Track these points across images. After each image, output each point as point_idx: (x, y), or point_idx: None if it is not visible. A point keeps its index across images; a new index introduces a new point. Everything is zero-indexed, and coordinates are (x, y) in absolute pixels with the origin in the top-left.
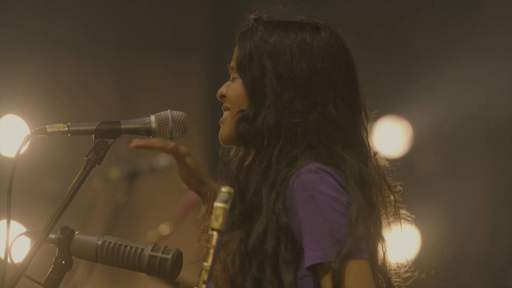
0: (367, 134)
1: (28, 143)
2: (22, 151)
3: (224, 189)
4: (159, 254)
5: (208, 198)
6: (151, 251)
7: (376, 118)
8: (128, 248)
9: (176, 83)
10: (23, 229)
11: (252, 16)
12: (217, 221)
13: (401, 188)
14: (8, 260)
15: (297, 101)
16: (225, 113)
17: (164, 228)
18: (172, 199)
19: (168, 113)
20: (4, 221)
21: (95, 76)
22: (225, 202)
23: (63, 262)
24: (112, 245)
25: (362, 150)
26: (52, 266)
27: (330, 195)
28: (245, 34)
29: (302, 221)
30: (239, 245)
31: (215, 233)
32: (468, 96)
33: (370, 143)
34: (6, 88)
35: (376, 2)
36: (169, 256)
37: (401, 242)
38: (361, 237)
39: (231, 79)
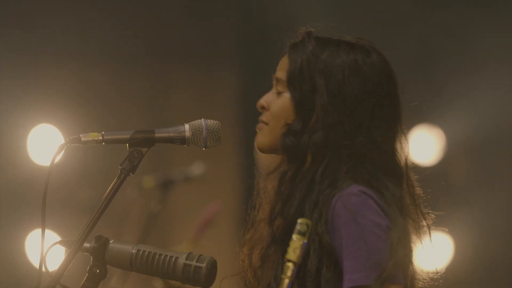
0: (406, 160)
1: (62, 152)
2: (56, 160)
3: (301, 221)
4: (194, 263)
5: None
6: (186, 259)
7: (410, 127)
8: (162, 256)
9: (210, 91)
10: (57, 238)
11: (303, 29)
12: (294, 253)
13: (434, 216)
14: (43, 269)
15: (345, 122)
16: (262, 123)
17: (184, 247)
18: (206, 207)
19: (202, 121)
20: (39, 230)
21: (129, 84)
22: (303, 234)
23: (98, 270)
24: (146, 253)
25: (400, 176)
26: (87, 274)
27: (372, 220)
28: (296, 46)
29: (343, 244)
30: (281, 262)
31: (291, 264)
32: (502, 104)
33: (407, 169)
34: (40, 97)
35: (407, 10)
36: (204, 265)
37: (435, 251)
38: (400, 263)
39: (275, 91)
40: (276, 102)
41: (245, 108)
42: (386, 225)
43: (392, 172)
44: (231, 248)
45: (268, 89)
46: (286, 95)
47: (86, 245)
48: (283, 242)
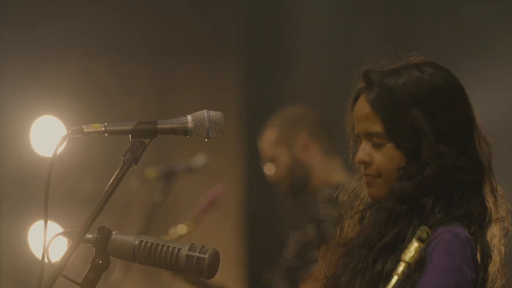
0: (489, 159)
1: (65, 143)
2: (59, 151)
3: (423, 227)
4: (196, 254)
5: None
6: (188, 250)
7: None
8: (165, 247)
9: (213, 84)
10: (60, 229)
11: (361, 70)
12: (410, 254)
13: None
14: (46, 260)
15: (451, 151)
16: (371, 176)
17: (182, 228)
18: (208, 190)
19: (204, 113)
20: (42, 222)
21: (132, 76)
22: (423, 241)
23: (100, 262)
24: (149, 244)
25: (487, 180)
26: (89, 266)
27: (461, 267)
28: (371, 92)
29: (426, 271)
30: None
31: (404, 264)
32: (500, 101)
33: (490, 169)
34: (43, 88)
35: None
36: (206, 256)
37: None
38: None
39: (369, 144)
40: (383, 157)
41: (248, 101)
42: (470, 278)
43: (483, 181)
44: (233, 240)
45: (271, 84)
46: (389, 146)
47: (89, 236)
48: (384, 259)
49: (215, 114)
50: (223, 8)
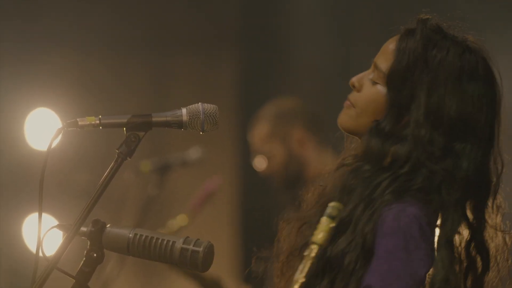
0: (495, 182)
1: (60, 136)
2: (54, 144)
3: (332, 204)
4: (191, 247)
5: None
6: (183, 243)
7: None
8: (159, 240)
9: (209, 76)
10: (55, 222)
11: (421, 15)
12: (321, 236)
13: None
14: (40, 253)
15: (435, 141)
16: (349, 104)
17: (182, 219)
18: (205, 182)
19: (199, 106)
20: (36, 214)
21: (127, 69)
22: (333, 218)
23: (95, 255)
24: (143, 237)
25: (483, 202)
26: (84, 259)
27: (405, 246)
28: (407, 37)
29: (374, 257)
30: (319, 253)
31: (315, 246)
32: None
33: (495, 191)
34: (37, 81)
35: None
36: (201, 249)
37: None
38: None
39: (370, 76)
40: (369, 91)
41: (243, 94)
42: (421, 256)
43: (475, 197)
44: (228, 232)
45: (266, 78)
46: (381, 89)
47: (83, 229)
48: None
49: (209, 107)
50: (218, 2)
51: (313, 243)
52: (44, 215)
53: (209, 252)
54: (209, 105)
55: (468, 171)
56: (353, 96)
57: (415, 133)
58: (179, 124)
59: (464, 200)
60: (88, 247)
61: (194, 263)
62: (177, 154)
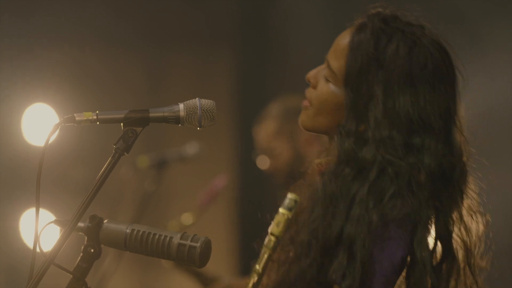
0: (460, 176)
1: (57, 132)
2: (51, 140)
3: (290, 196)
4: (188, 243)
5: None
6: (180, 239)
7: None
8: (157, 236)
9: (206, 72)
10: (52, 217)
11: (371, 9)
12: (277, 227)
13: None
14: (37, 249)
15: (396, 138)
16: (307, 103)
17: (187, 218)
18: (200, 187)
19: (196, 101)
20: (33, 210)
21: (125, 64)
22: (290, 210)
23: (92, 250)
24: (140, 233)
25: (453, 196)
26: (81, 254)
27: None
28: (359, 33)
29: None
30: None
31: (273, 238)
32: (492, 91)
33: (462, 185)
34: (35, 76)
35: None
36: (198, 245)
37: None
38: None
39: (325, 73)
40: (322, 89)
41: (240, 90)
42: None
43: (443, 193)
44: (225, 228)
45: (263, 74)
46: (334, 89)
47: (81, 224)
48: (319, 256)
49: (207, 102)
50: None
51: (271, 234)
52: (41, 210)
53: (207, 247)
54: (206, 100)
55: (431, 166)
56: (309, 92)
57: (376, 133)
58: (177, 120)
59: (434, 195)
60: (85, 242)
61: (192, 259)
62: (174, 149)
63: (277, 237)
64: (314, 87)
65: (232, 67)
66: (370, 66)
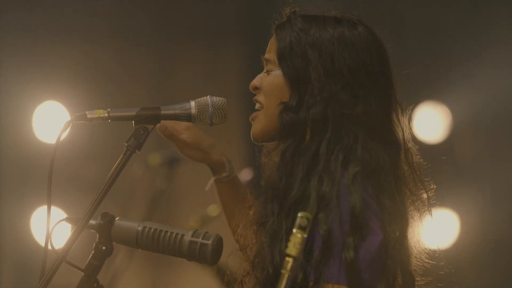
0: (402, 130)
1: (68, 129)
2: (62, 137)
3: (301, 214)
4: (200, 240)
5: (215, 169)
6: (192, 236)
7: (415, 104)
8: (168, 233)
9: (217, 68)
10: (63, 215)
11: (287, 9)
12: (295, 248)
13: (435, 186)
14: (49, 246)
15: (342, 93)
16: (256, 112)
17: (213, 209)
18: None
19: (208, 98)
20: (45, 207)
21: (136, 62)
22: (304, 229)
23: (104, 248)
24: (152, 230)
25: (397, 145)
26: (93, 252)
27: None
28: (283, 26)
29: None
30: (285, 235)
31: (291, 259)
32: (507, 83)
33: (404, 139)
34: (46, 74)
35: None
36: (210, 242)
37: (441, 228)
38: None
39: (265, 71)
40: (267, 81)
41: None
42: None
43: (389, 141)
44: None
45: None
46: (276, 73)
47: (92, 222)
48: (288, 216)
49: (218, 100)
50: None
51: (288, 255)
52: (52, 208)
53: (218, 245)
54: (218, 98)
55: (379, 114)
56: (257, 96)
57: (323, 94)
58: (188, 117)
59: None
60: (97, 240)
61: (203, 256)
62: None
63: (294, 258)
64: (260, 88)
65: (243, 62)
66: (300, 39)
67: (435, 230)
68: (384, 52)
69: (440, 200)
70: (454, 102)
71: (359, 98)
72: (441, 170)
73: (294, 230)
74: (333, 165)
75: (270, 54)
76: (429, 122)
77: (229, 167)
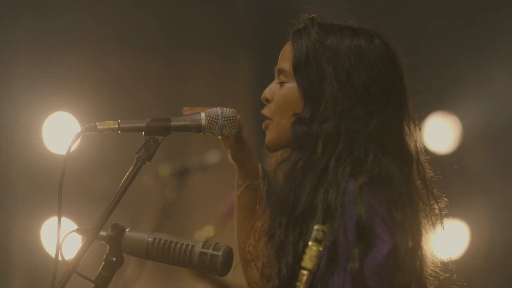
0: (414, 142)
1: (78, 140)
2: (72, 149)
3: (317, 227)
4: (210, 251)
5: (251, 175)
6: (202, 248)
7: (426, 115)
8: (178, 245)
9: (227, 77)
10: (74, 226)
11: (305, 15)
12: (311, 261)
13: (447, 200)
14: (59, 257)
15: (356, 108)
16: (268, 120)
17: (208, 230)
18: (222, 196)
19: (218, 110)
20: (55, 218)
21: (146, 72)
22: (320, 242)
23: (114, 259)
24: (162, 242)
25: (410, 159)
26: (103, 263)
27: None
28: (299, 33)
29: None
30: (291, 247)
31: (306, 272)
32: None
33: (417, 153)
34: (56, 85)
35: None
36: (220, 253)
37: (450, 238)
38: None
39: (277, 82)
40: (280, 92)
41: (261, 93)
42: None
43: (401, 156)
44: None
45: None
46: (290, 85)
47: (103, 233)
48: (295, 228)
49: (228, 111)
50: (236, 1)
51: (304, 268)
52: (63, 219)
53: (228, 256)
54: (228, 109)
55: (392, 129)
56: (267, 108)
57: (336, 108)
58: (198, 128)
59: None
60: (107, 251)
61: (213, 267)
62: (195, 158)
63: (309, 271)
64: (272, 101)
65: (254, 71)
66: (316, 51)
67: (446, 240)
68: (399, 67)
69: (449, 210)
70: (464, 113)
71: (372, 114)
72: (451, 180)
73: (310, 243)
74: (340, 176)
75: (285, 64)
76: (439, 133)
77: (263, 173)
